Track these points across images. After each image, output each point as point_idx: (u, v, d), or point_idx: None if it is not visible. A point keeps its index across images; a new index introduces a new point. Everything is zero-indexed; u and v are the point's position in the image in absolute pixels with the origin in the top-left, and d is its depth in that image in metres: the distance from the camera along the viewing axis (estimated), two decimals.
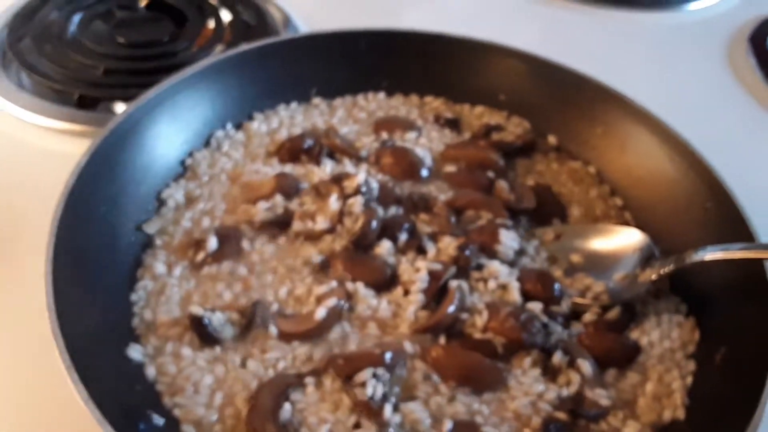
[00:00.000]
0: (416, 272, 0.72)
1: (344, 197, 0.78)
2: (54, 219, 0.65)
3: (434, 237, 0.76)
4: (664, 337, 0.71)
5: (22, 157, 0.89)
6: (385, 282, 0.72)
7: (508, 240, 0.77)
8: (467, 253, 0.73)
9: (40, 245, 0.63)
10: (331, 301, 0.68)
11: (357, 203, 0.77)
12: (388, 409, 0.61)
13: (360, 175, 0.79)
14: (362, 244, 0.75)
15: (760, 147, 1.03)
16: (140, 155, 0.78)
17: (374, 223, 0.75)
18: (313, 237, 0.76)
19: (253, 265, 0.74)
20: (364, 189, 0.78)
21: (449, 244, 0.74)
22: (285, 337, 0.67)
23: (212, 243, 0.73)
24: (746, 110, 1.09)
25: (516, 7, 1.28)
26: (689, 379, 0.68)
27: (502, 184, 0.83)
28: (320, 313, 0.67)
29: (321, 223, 0.76)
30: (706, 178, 0.77)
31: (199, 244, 0.74)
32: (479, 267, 0.74)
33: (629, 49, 1.20)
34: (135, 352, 0.65)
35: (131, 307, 0.69)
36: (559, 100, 0.91)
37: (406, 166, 0.85)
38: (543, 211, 0.83)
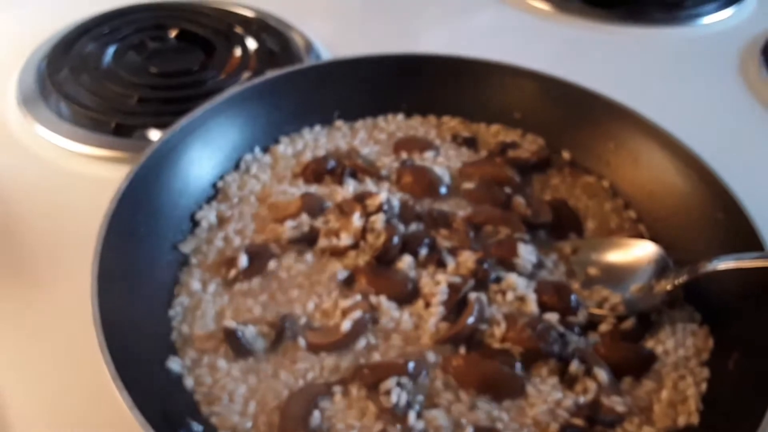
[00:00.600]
0: (436, 285, 0.75)
1: (367, 215, 0.81)
2: (98, 239, 0.69)
3: (454, 251, 0.79)
4: (678, 345, 0.73)
5: (63, 183, 0.94)
6: (407, 295, 0.75)
7: (526, 254, 0.80)
8: (485, 266, 0.76)
9: (83, 265, 0.67)
10: (356, 314, 0.72)
11: (379, 220, 0.80)
12: (412, 416, 0.65)
13: (382, 193, 0.83)
14: (384, 259, 0.78)
15: None
16: (175, 179, 0.83)
17: (396, 239, 0.79)
18: (337, 253, 0.79)
19: (281, 281, 0.77)
20: (385, 207, 0.81)
21: (468, 258, 0.77)
22: (313, 348, 0.71)
23: (243, 261, 0.77)
24: (759, 122, 1.11)
25: (530, 27, 1.32)
26: (703, 386, 0.70)
27: (519, 200, 0.86)
28: (346, 325, 0.71)
29: (345, 240, 0.79)
30: (716, 189, 0.80)
31: (231, 262, 0.78)
32: (498, 280, 0.77)
33: (642, 64, 1.22)
34: (174, 364, 0.69)
35: (170, 321, 0.73)
36: (572, 117, 0.94)
37: (426, 184, 0.88)
38: (560, 225, 0.86)
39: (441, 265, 0.78)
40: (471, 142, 0.96)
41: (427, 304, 0.74)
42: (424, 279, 0.77)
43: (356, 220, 0.80)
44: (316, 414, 0.65)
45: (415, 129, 0.98)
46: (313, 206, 0.84)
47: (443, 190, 0.89)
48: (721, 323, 0.74)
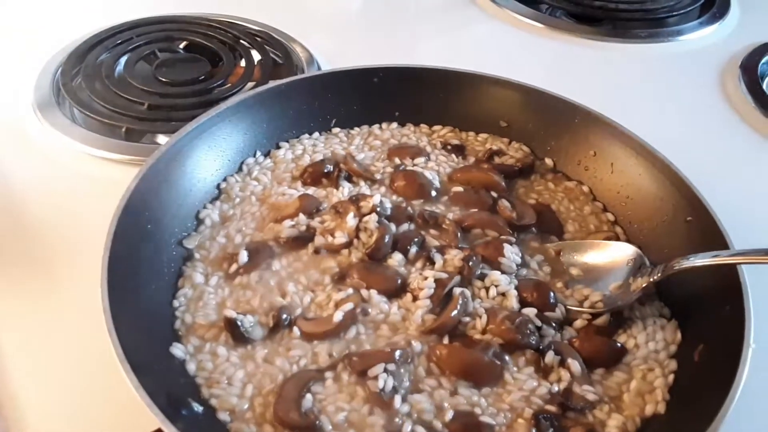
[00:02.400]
0: (424, 280, 0.80)
1: (360, 215, 0.86)
2: (108, 235, 0.74)
3: (442, 250, 0.84)
4: (649, 339, 0.78)
5: (76, 184, 0.99)
6: (396, 290, 0.81)
7: (511, 254, 0.85)
8: (471, 263, 0.82)
9: (95, 259, 0.71)
10: (347, 306, 0.77)
11: (372, 220, 0.85)
12: (397, 400, 0.69)
13: (375, 196, 0.89)
14: (376, 257, 0.83)
15: (750, 168, 1.09)
16: (181, 180, 0.88)
17: (387, 238, 0.84)
18: (332, 250, 0.85)
19: (279, 276, 0.82)
20: (378, 208, 0.87)
21: (455, 256, 0.83)
22: (307, 337, 0.76)
23: (243, 256, 0.82)
24: (737, 134, 1.16)
25: (521, 42, 1.38)
26: (671, 378, 0.74)
27: (504, 204, 0.91)
28: (338, 316, 0.76)
29: (340, 238, 0.85)
30: (686, 194, 0.85)
31: (232, 257, 0.83)
32: (482, 276, 0.82)
33: (627, 78, 1.28)
34: (178, 350, 0.73)
35: (174, 311, 0.78)
36: (555, 127, 0.99)
37: (417, 187, 0.94)
38: (542, 228, 0.91)
39: (430, 262, 0.83)
40: (460, 150, 1.02)
41: (415, 298, 0.79)
42: (413, 274, 0.81)
43: (350, 219, 0.86)
44: (309, 397, 0.70)
45: (408, 137, 1.04)
46: (310, 207, 0.89)
47: (433, 193, 0.94)
48: (688, 318, 0.79)
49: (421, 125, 1.06)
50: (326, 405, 0.70)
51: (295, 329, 0.76)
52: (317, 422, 0.68)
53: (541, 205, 0.95)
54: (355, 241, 0.85)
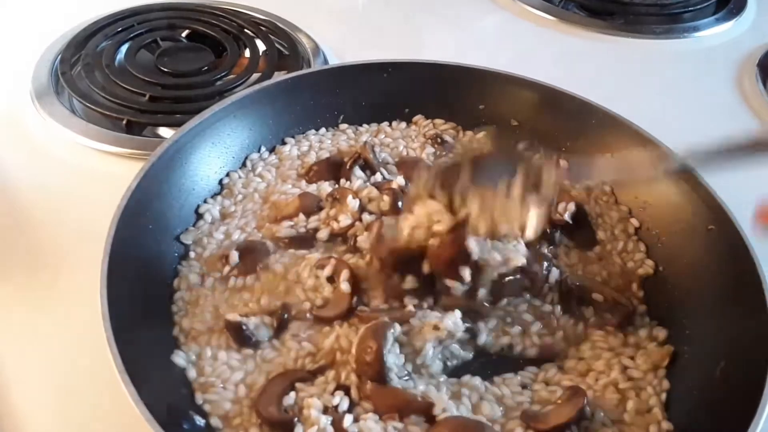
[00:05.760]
0: None
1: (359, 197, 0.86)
2: (108, 238, 0.71)
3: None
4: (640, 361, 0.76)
5: (75, 178, 0.96)
6: None
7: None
8: None
9: (93, 256, 0.69)
10: (345, 275, 0.77)
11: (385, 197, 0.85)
12: (348, 420, 0.66)
13: (399, 177, 0.89)
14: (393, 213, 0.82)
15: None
16: (184, 177, 0.85)
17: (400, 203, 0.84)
18: (340, 234, 0.83)
19: (276, 276, 0.80)
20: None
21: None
22: (328, 321, 0.75)
23: (234, 257, 0.80)
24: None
25: (533, 36, 1.34)
26: (663, 396, 0.72)
27: None
28: (345, 286, 0.76)
29: (344, 221, 0.83)
30: (708, 201, 0.82)
31: (225, 257, 0.80)
32: None
33: (641, 75, 1.25)
34: (179, 358, 0.71)
35: (172, 316, 0.75)
36: (569, 127, 0.95)
37: None
38: (574, 230, 0.88)
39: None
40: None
41: None
42: None
43: (351, 201, 0.84)
44: (292, 394, 0.68)
45: (414, 139, 1.00)
46: (309, 206, 0.86)
47: None
48: (708, 336, 0.75)
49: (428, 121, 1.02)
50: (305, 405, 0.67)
51: (294, 324, 0.75)
52: (295, 419, 0.66)
53: (577, 204, 0.89)
54: (357, 223, 0.84)
